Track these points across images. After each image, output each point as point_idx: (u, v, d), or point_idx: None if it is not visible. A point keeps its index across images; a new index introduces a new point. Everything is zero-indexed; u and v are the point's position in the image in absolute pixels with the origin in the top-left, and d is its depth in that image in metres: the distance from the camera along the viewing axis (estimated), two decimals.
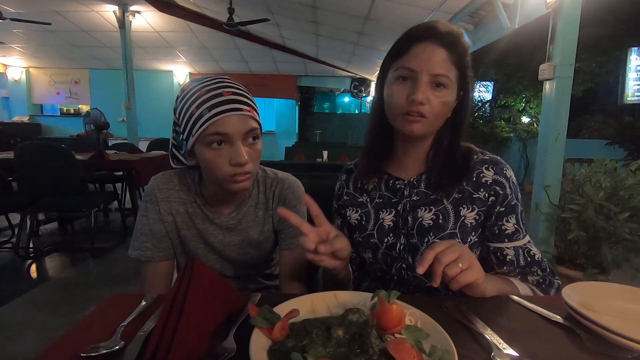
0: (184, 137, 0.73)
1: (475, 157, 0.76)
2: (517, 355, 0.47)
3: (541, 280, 0.74)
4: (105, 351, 0.46)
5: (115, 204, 3.95)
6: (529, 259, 0.73)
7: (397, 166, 0.81)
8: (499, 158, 0.76)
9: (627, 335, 0.48)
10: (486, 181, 0.73)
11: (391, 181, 0.80)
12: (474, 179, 0.74)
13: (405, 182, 0.78)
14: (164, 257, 0.82)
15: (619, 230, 1.93)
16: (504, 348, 0.48)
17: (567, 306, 0.57)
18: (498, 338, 0.50)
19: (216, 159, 0.69)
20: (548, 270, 0.75)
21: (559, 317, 0.57)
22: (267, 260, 0.92)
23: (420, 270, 0.55)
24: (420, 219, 0.75)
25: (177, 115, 0.74)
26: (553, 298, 0.71)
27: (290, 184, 0.86)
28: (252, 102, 0.74)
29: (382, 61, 0.76)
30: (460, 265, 0.56)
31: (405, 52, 0.69)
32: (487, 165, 0.74)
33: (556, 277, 0.75)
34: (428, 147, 0.77)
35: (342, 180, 0.88)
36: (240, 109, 0.69)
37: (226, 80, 0.73)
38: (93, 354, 0.46)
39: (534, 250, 0.74)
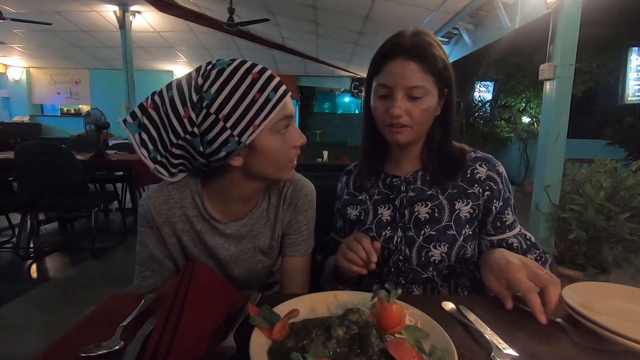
0: (236, 133, 0.60)
1: (469, 155, 0.81)
2: (517, 355, 0.47)
3: (538, 258, 0.78)
4: (105, 351, 0.46)
5: (115, 204, 3.96)
6: (528, 243, 0.79)
7: (393, 165, 0.85)
8: (490, 156, 0.81)
9: (627, 335, 0.48)
10: (480, 177, 0.78)
11: (388, 179, 0.84)
12: (469, 175, 0.79)
13: (402, 178, 0.82)
14: (168, 277, 0.78)
15: (619, 230, 1.93)
16: (504, 348, 0.48)
17: (567, 306, 0.57)
18: (498, 338, 0.50)
19: (283, 145, 0.67)
20: (541, 249, 0.81)
21: (559, 317, 0.57)
22: (271, 270, 0.88)
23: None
24: (416, 213, 0.78)
25: (214, 109, 0.59)
26: None
27: (304, 185, 0.81)
28: None
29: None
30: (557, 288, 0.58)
31: (380, 69, 0.74)
32: (480, 162, 0.79)
33: (547, 254, 0.81)
34: (421, 147, 0.82)
35: (343, 182, 0.93)
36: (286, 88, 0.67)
37: (252, 62, 0.65)
38: (93, 354, 0.46)
39: (528, 234, 0.81)
